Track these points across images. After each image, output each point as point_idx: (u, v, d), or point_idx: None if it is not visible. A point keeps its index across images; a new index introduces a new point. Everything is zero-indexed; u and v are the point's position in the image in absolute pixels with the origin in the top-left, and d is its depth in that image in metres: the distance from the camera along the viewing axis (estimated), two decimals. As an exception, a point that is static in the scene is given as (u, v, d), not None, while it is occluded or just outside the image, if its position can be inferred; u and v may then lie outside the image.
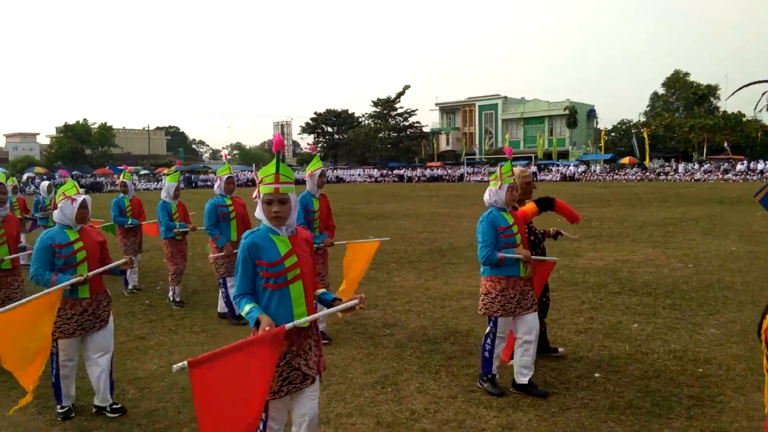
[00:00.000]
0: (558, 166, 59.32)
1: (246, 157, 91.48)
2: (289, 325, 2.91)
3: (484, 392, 4.71)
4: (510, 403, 4.52)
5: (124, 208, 8.95)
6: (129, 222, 8.90)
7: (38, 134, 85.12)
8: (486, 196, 4.79)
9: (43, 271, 4.24)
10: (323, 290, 3.30)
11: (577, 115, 65.20)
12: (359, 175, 66.34)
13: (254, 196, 3.09)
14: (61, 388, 4.43)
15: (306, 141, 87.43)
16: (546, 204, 5.39)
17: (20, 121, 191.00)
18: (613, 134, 67.62)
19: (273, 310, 3.02)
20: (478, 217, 4.90)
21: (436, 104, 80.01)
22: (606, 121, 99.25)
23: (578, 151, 65.01)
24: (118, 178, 11.29)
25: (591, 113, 70.81)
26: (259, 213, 3.11)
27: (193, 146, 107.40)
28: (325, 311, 3.18)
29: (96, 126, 70.95)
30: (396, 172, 66.12)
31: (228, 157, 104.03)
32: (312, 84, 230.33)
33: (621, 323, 6.55)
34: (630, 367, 5.20)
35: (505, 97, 73.74)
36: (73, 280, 4.22)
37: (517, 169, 5.38)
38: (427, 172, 64.07)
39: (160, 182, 55.57)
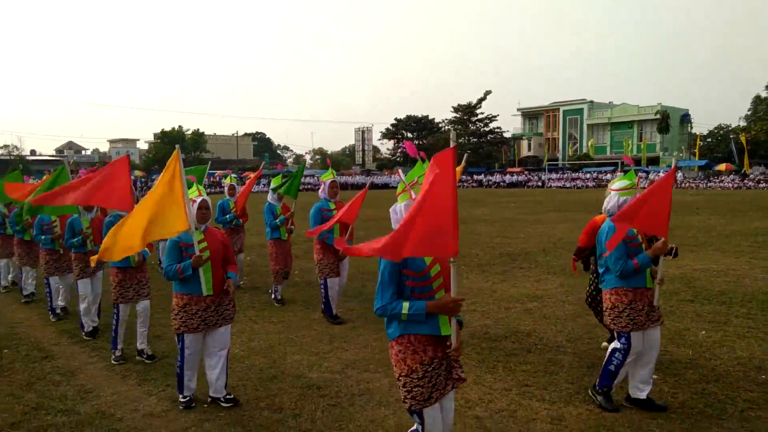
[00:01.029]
0: (647, 172, 56.81)
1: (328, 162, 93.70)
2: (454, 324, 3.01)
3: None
4: (562, 397, 4.69)
5: (229, 210, 9.40)
6: (234, 222, 9.37)
7: (138, 140, 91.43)
8: (608, 204, 4.63)
9: (174, 265, 4.56)
10: None
11: (669, 120, 62.12)
12: (438, 180, 66.28)
13: (413, 198, 3.08)
14: (183, 379, 4.69)
15: (386, 146, 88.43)
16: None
17: (122, 127, 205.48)
18: (709, 140, 63.97)
19: (424, 319, 3.01)
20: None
21: (518, 109, 78.88)
22: (701, 126, 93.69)
23: (670, 157, 61.92)
24: (223, 180, 11.79)
25: (685, 117, 67.26)
26: (400, 219, 3.10)
27: (278, 151, 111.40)
28: (455, 328, 3.08)
29: (189, 132, 75.39)
30: (475, 177, 65.72)
31: (310, 161, 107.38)
32: (393, 90, 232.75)
33: (688, 330, 6.47)
34: (689, 371, 5.20)
35: (592, 102, 71.52)
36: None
37: (618, 182, 5.48)
38: (507, 177, 63.26)
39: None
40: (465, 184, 63.76)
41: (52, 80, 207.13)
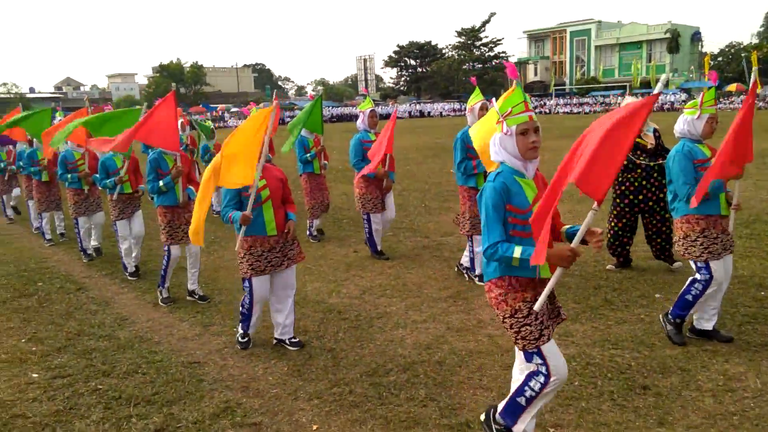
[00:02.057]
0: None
1: (330, 92, 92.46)
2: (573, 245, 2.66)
3: (664, 330, 4.51)
4: (569, 316, 4.98)
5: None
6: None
7: (136, 74, 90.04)
8: (679, 125, 4.34)
9: (230, 209, 4.43)
10: (569, 225, 2.96)
11: (679, 39, 60.42)
12: (443, 108, 65.61)
13: (506, 131, 2.82)
14: (252, 318, 4.61)
15: (389, 75, 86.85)
16: None
17: (119, 61, 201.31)
18: (720, 59, 62.49)
19: None
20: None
21: (524, 32, 76.67)
22: (713, 44, 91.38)
23: (679, 79, 60.65)
24: (215, 113, 11.77)
25: (695, 36, 65.34)
26: (499, 152, 2.89)
27: (279, 83, 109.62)
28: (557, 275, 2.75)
29: (188, 65, 74.07)
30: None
31: (313, 93, 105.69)
32: (394, 16, 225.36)
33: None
34: (691, 289, 5.46)
35: (599, 21, 69.35)
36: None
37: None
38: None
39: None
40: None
41: (47, 15, 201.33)
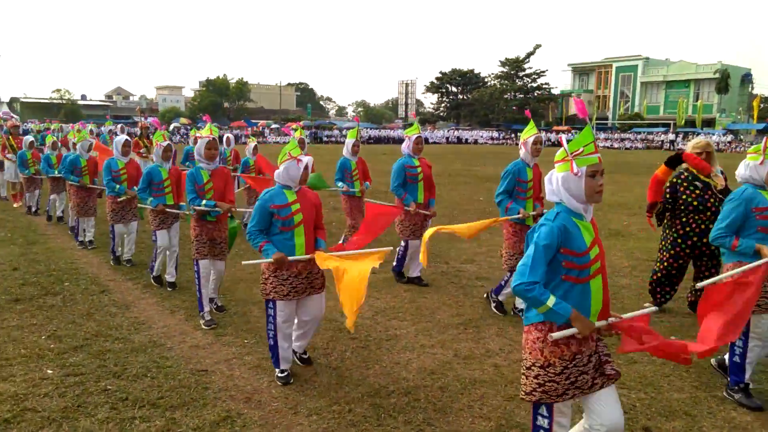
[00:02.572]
0: (700, 134, 54.67)
1: (370, 114, 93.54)
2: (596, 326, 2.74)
3: (735, 402, 4.09)
4: (579, 352, 4.91)
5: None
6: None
7: (183, 87, 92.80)
8: (741, 170, 4.22)
9: (257, 233, 4.25)
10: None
11: (729, 80, 59.15)
12: (481, 136, 65.57)
13: (576, 172, 2.70)
14: (279, 351, 4.37)
15: (429, 100, 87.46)
16: (674, 160, 5.65)
17: (168, 74, 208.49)
18: (770, 101, 60.80)
19: (572, 306, 2.68)
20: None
21: (569, 65, 76.34)
22: (764, 87, 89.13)
23: (726, 119, 59.31)
24: (256, 129, 11.91)
25: (746, 78, 63.92)
26: (558, 192, 2.78)
27: (321, 102, 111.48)
28: (630, 314, 2.89)
29: (234, 81, 76.06)
30: (520, 135, 64.51)
31: (357, 117, 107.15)
32: (438, 43, 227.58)
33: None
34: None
35: (647, 58, 68.56)
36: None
37: (693, 141, 5.67)
38: (552, 136, 61.91)
39: (289, 136, 58.82)
40: (508, 141, 62.78)
41: (101, 26, 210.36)
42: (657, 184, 5.77)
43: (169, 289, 6.69)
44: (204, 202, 5.45)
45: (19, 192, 12.95)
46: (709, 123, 58.87)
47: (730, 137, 52.18)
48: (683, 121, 58.62)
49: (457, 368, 4.62)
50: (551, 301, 2.61)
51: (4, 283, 6.84)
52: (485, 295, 6.25)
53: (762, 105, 58.08)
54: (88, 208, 8.69)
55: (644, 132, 58.25)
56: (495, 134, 66.02)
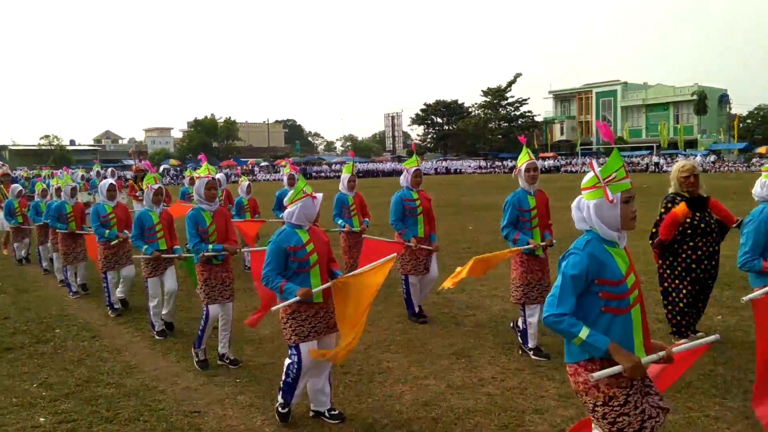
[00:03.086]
0: (684, 156, 55.52)
1: (358, 148, 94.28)
2: (645, 360, 2.59)
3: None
4: (571, 377, 4.94)
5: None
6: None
7: (172, 128, 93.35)
8: (757, 189, 4.24)
9: (275, 275, 4.09)
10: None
11: (707, 101, 60.46)
12: (469, 166, 66.20)
13: (611, 199, 2.59)
14: (296, 388, 4.25)
15: (416, 132, 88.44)
16: (698, 204, 5.44)
17: (157, 116, 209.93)
18: (749, 121, 62.19)
19: (615, 340, 2.55)
20: None
21: (550, 92, 77.69)
22: (741, 106, 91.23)
23: (708, 140, 60.38)
24: (245, 167, 11.94)
25: (723, 98, 65.41)
26: (590, 219, 2.67)
27: (309, 138, 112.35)
28: (682, 346, 2.74)
29: (222, 120, 76.69)
30: (507, 163, 65.22)
31: (351, 152, 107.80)
32: (421, 75, 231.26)
33: (705, 314, 6.60)
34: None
35: (625, 83, 70.00)
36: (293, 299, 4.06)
37: (678, 164, 5.62)
38: (539, 162, 62.49)
39: (278, 173, 59.25)
40: (495, 170, 63.37)
41: (88, 71, 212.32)
42: (674, 225, 5.46)
43: (158, 337, 6.42)
44: (211, 246, 5.30)
45: (5, 241, 12.84)
46: (692, 144, 59.89)
47: (713, 158, 53.01)
48: (666, 144, 59.59)
49: (450, 399, 4.63)
50: (584, 332, 2.49)
51: (-7, 333, 6.80)
52: (519, 351, 5.58)
53: (741, 124, 59.30)
54: (76, 254, 8.52)
55: (628, 156, 59.06)
56: (482, 163, 66.68)
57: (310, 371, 4.25)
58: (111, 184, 7.65)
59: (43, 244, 10.40)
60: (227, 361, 5.56)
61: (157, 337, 6.45)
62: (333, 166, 62.16)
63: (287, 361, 4.24)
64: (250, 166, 63.41)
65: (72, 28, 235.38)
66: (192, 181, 11.49)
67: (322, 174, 60.21)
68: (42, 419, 4.47)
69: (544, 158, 64.37)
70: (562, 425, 4.10)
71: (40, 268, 10.87)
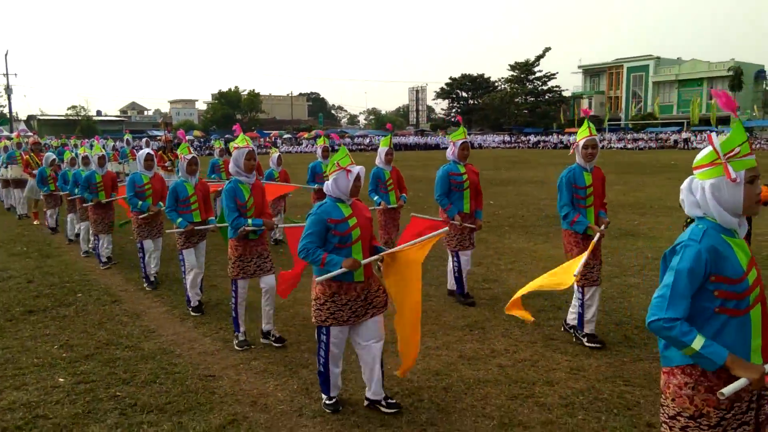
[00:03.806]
0: (715, 132, 53.95)
1: (381, 122, 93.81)
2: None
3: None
4: (584, 350, 4.92)
5: (321, 173, 8.79)
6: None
7: (197, 100, 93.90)
8: None
9: (314, 248, 3.79)
10: None
11: (742, 77, 58.63)
12: (493, 141, 65.50)
13: (734, 178, 2.20)
14: (330, 378, 4.05)
15: (440, 106, 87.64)
16: None
17: (182, 88, 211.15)
18: (785, 97, 60.12)
19: (728, 344, 2.19)
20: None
21: (579, 66, 76.04)
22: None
23: (742, 117, 58.47)
24: (268, 139, 11.51)
25: (760, 74, 63.38)
26: (707, 203, 2.28)
27: (332, 111, 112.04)
28: None
29: (246, 93, 76.83)
30: (530, 138, 64.33)
31: (365, 121, 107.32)
32: (447, 50, 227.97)
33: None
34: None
35: (658, 58, 68.17)
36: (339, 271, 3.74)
37: None
38: (564, 138, 61.66)
39: (301, 146, 59.31)
40: (520, 144, 62.60)
41: (115, 43, 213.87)
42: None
43: (194, 314, 6.18)
44: (250, 221, 5.10)
45: (39, 210, 13.02)
46: (724, 121, 58.26)
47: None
48: (698, 120, 58.09)
49: (461, 369, 4.64)
50: (698, 342, 2.14)
51: (18, 296, 6.99)
52: (569, 330, 5.32)
53: (777, 101, 57.46)
54: (107, 225, 8.44)
55: (656, 132, 57.76)
56: (507, 138, 65.91)
57: (343, 355, 4.04)
58: (148, 153, 7.44)
59: (71, 212, 10.40)
60: (272, 339, 5.28)
61: (192, 313, 6.18)
62: (355, 139, 61.99)
63: (317, 346, 4.00)
64: (273, 138, 63.53)
65: (100, 2, 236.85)
66: (222, 152, 11.45)
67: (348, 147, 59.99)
68: (61, 380, 4.60)
69: (569, 133, 63.42)
70: (572, 398, 4.09)
71: (68, 243, 10.76)
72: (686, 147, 48.99)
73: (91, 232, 9.07)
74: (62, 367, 4.85)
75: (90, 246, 9.34)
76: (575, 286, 5.08)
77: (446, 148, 6.81)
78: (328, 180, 3.91)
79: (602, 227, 5.01)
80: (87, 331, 5.71)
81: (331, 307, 3.86)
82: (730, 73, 58.85)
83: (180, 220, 6.10)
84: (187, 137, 60.34)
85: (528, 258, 8.50)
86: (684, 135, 52.67)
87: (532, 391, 4.23)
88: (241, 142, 5.23)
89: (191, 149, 6.44)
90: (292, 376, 4.62)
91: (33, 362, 4.96)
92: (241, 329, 5.30)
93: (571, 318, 5.27)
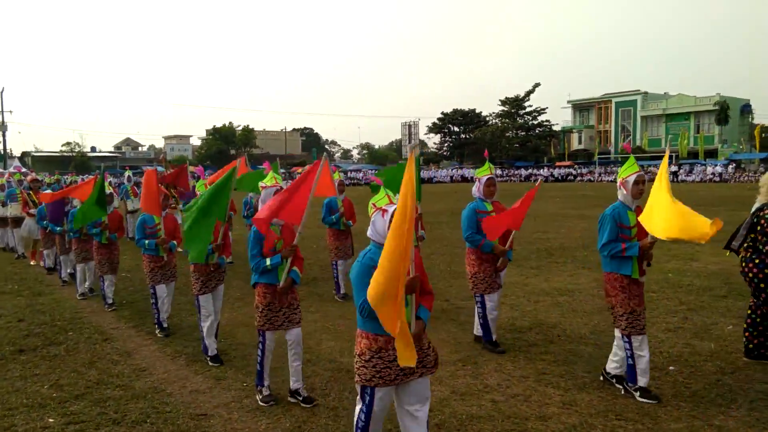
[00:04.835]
0: (704, 165, 54.77)
1: (374, 156, 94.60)
2: None
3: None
4: (577, 385, 4.92)
5: (337, 209, 8.46)
6: (344, 221, 8.49)
7: (191, 136, 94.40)
8: None
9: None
10: None
11: (728, 111, 59.73)
12: (485, 174, 66.01)
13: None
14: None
15: (432, 140, 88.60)
16: None
17: (176, 123, 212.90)
18: (771, 131, 61.12)
19: None
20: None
21: (569, 101, 77.26)
22: (764, 116, 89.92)
23: (728, 150, 59.56)
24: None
25: (745, 108, 64.60)
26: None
27: (326, 146, 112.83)
28: None
29: (240, 128, 77.47)
30: (522, 171, 64.94)
31: (358, 156, 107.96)
32: (439, 85, 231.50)
33: (716, 324, 6.54)
34: (708, 363, 5.32)
35: (646, 93, 69.43)
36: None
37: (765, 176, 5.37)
38: (556, 171, 62.31)
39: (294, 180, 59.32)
40: (512, 178, 63.14)
41: (110, 79, 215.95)
42: None
43: (213, 364, 5.73)
44: (269, 261, 4.67)
45: (34, 249, 12.81)
46: (712, 154, 59.15)
47: (732, 167, 52.27)
48: (685, 153, 58.91)
49: (454, 405, 4.63)
50: None
51: (9, 335, 6.94)
52: (610, 380, 4.94)
53: (763, 134, 58.38)
54: (113, 263, 8.18)
55: (645, 165, 58.49)
56: (498, 171, 66.51)
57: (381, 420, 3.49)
58: (165, 193, 7.11)
59: (64, 253, 10.13)
60: (300, 398, 4.78)
61: (210, 363, 5.73)
62: (349, 174, 62.37)
63: (357, 406, 3.46)
64: (266, 172, 63.64)
65: (95, 38, 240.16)
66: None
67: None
68: (51, 420, 4.55)
69: (560, 167, 64.09)
70: (565, 433, 4.08)
71: (63, 285, 10.17)
72: (674, 180, 49.58)
73: (88, 272, 8.94)
74: (52, 407, 4.80)
75: (87, 286, 9.09)
76: (619, 334, 4.76)
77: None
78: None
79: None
80: (77, 371, 5.66)
81: (378, 364, 3.31)
82: (716, 107, 59.93)
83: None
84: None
85: (519, 291, 8.53)
86: (672, 168, 53.28)
87: (525, 426, 4.22)
88: (269, 181, 4.94)
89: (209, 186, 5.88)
90: (285, 414, 4.59)
91: (22, 402, 4.91)
92: (266, 383, 4.86)
93: (613, 367, 4.91)
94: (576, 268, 10.28)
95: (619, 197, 4.83)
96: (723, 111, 59.32)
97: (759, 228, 5.20)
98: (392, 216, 3.18)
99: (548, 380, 5.06)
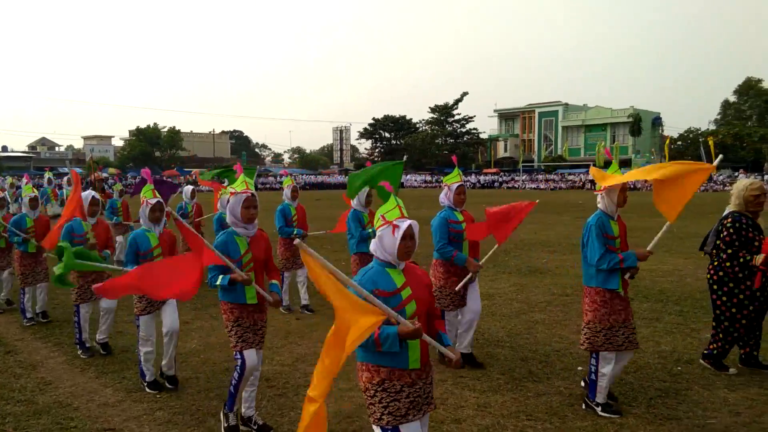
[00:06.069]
0: (741, 175, 57.87)
1: (306, 160, 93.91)
2: None
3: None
4: (492, 387, 5.08)
5: (291, 218, 7.92)
6: (295, 232, 7.81)
7: (113, 137, 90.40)
8: None
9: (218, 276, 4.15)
10: None
11: (641, 123, 63.59)
12: (415, 180, 67.06)
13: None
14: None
15: (364, 146, 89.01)
16: None
17: (97, 124, 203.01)
18: (679, 143, 65.50)
19: None
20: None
21: (495, 111, 79.77)
22: (673, 129, 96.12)
23: (641, 160, 63.28)
24: (188, 177, 11.17)
25: (656, 121, 68.96)
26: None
27: (256, 150, 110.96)
28: None
29: (165, 130, 74.89)
30: (451, 178, 66.42)
31: (289, 160, 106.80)
32: (370, 90, 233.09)
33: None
34: (613, 363, 5.62)
35: (566, 104, 72.77)
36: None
37: (744, 182, 5.43)
38: (482, 178, 64.12)
39: (223, 183, 58.05)
40: (441, 184, 64.32)
41: (24, 75, 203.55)
42: None
43: (169, 386, 5.24)
44: (221, 278, 4.20)
45: None
46: (626, 163, 62.59)
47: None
48: (602, 163, 62.05)
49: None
50: None
51: None
52: (584, 406, 4.64)
53: (672, 146, 62.47)
54: (37, 274, 7.42)
55: (566, 173, 61.21)
56: (428, 177, 67.67)
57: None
58: (94, 197, 6.34)
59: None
60: (255, 427, 4.39)
61: (147, 390, 5.15)
62: (279, 178, 61.72)
63: None
64: (194, 176, 61.90)
65: (3, 29, 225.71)
66: (122, 193, 10.97)
67: (268, 185, 59.72)
68: (-59, 439, 4.24)
69: (486, 174, 66.00)
70: (478, 435, 4.20)
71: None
72: (592, 188, 52.12)
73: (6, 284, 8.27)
74: (-58, 426, 4.46)
75: (2, 296, 8.35)
76: (589, 354, 4.63)
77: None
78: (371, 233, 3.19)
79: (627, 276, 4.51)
80: (-26, 386, 5.30)
81: (385, 399, 2.95)
82: (630, 119, 63.62)
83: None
84: (104, 174, 57.82)
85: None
86: (590, 176, 56.10)
87: (441, 430, 4.31)
88: (240, 186, 4.27)
89: (156, 193, 5.16)
90: (199, 426, 4.48)
91: None
92: (236, 408, 4.35)
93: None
94: (497, 272, 10.60)
95: (599, 206, 4.62)
96: (636, 123, 63.10)
97: (721, 235, 5.48)
98: (404, 233, 2.90)
99: (465, 383, 5.19)
